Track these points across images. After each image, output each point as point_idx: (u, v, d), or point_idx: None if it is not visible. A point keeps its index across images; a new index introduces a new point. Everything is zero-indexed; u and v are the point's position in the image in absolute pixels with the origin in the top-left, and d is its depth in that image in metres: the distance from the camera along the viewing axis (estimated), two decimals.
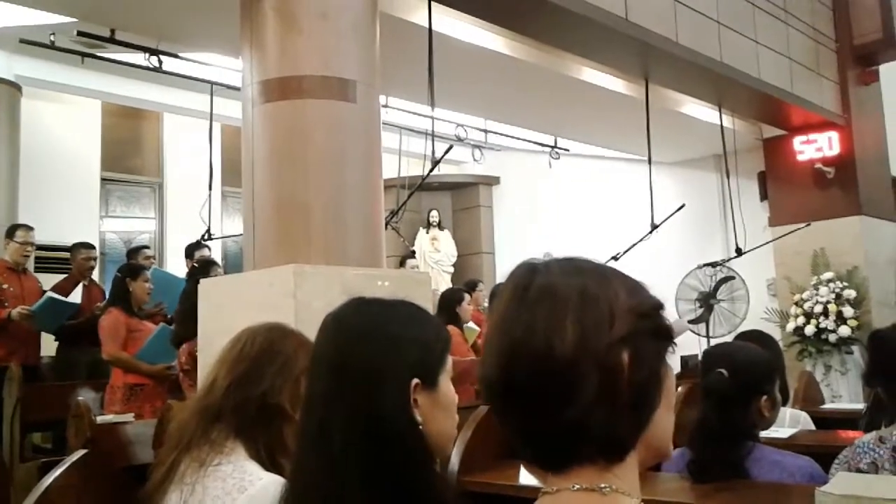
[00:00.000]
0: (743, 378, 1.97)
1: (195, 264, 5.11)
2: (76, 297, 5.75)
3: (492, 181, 10.46)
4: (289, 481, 1.16)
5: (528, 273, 0.85)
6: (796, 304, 7.29)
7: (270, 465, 1.44)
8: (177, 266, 6.91)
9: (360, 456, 1.07)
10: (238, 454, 1.43)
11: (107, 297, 5.52)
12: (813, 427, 3.03)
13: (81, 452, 1.72)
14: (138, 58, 5.71)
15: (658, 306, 0.85)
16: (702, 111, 7.07)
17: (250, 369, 1.50)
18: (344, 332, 1.16)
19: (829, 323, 7.02)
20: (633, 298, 0.83)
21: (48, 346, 5.69)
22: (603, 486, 0.80)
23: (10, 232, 5.50)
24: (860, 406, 3.64)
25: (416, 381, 1.13)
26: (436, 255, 9.94)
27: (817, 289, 7.19)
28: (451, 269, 10.02)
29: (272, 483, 1.35)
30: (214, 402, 1.48)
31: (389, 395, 1.11)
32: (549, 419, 0.79)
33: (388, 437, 1.09)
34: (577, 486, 0.80)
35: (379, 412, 1.09)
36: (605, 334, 0.79)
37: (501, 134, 8.77)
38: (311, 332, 1.67)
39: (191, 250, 6.11)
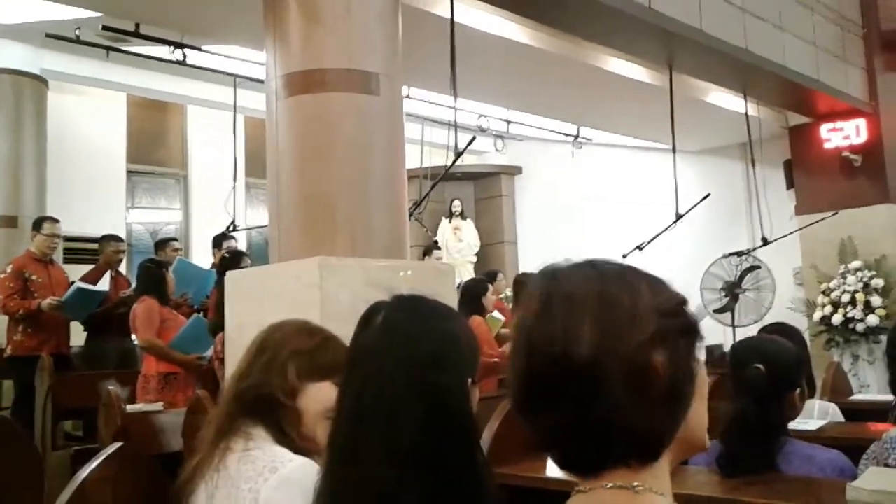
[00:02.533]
0: (777, 372, 1.97)
1: (225, 255, 5.14)
2: (103, 287, 5.82)
3: (514, 171, 10.43)
4: (331, 473, 1.17)
5: (549, 280, 0.87)
6: (823, 293, 7.22)
7: (297, 451, 1.47)
8: (202, 257, 6.97)
9: (430, 450, 1.10)
10: (266, 440, 1.47)
11: (132, 286, 5.59)
12: (842, 419, 3.00)
13: (116, 445, 1.75)
14: (162, 51, 5.76)
15: (682, 302, 0.86)
16: (726, 99, 7.00)
17: (251, 364, 1.58)
18: (405, 329, 1.19)
19: (856, 312, 6.95)
20: (658, 297, 0.84)
21: (77, 335, 5.78)
22: (636, 484, 0.81)
23: (37, 224, 5.57)
24: (889, 397, 3.60)
25: (469, 379, 1.20)
26: (458, 245, 9.94)
27: (845, 278, 7.12)
28: (474, 259, 10.01)
29: (305, 465, 1.39)
30: (236, 395, 1.54)
31: (455, 391, 1.16)
32: (576, 419, 0.80)
33: (456, 432, 1.14)
34: (611, 485, 0.82)
35: (449, 408, 1.14)
36: (630, 334, 0.80)
37: (524, 124, 8.74)
38: (336, 323, 1.69)
39: (219, 240, 6.17)
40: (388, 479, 1.09)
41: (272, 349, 1.57)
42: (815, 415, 2.89)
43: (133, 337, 5.11)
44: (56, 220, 5.63)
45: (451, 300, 3.47)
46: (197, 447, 1.50)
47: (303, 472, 1.37)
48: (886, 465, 1.91)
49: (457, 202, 10.08)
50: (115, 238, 6.03)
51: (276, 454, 1.43)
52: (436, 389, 1.14)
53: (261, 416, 1.50)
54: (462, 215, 10.12)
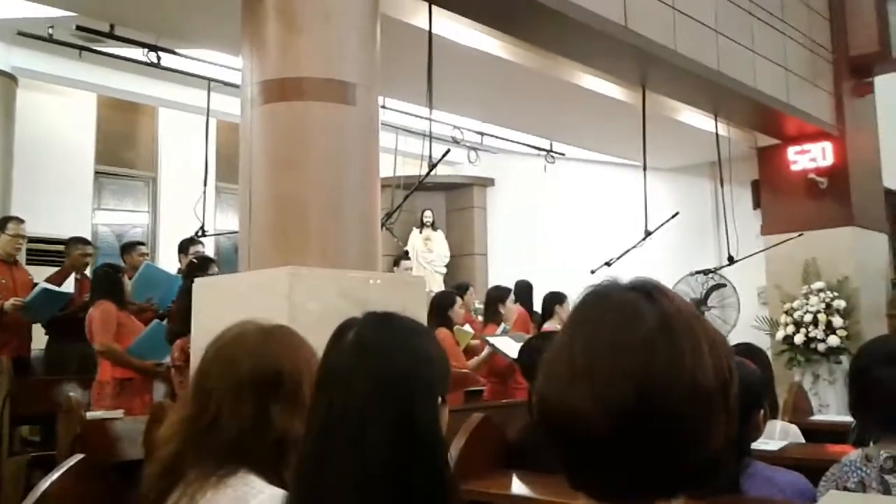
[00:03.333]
0: (745, 394, 1.98)
1: (193, 260, 5.10)
2: (67, 289, 5.72)
3: (486, 183, 10.47)
4: (299, 488, 1.16)
5: (644, 298, 0.81)
6: (786, 312, 7.32)
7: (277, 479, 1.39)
8: (169, 261, 6.89)
9: (398, 468, 1.10)
10: (243, 469, 1.39)
11: None
12: (802, 440, 3.05)
13: (77, 457, 1.72)
14: (136, 52, 5.70)
15: None
16: (697, 119, 7.09)
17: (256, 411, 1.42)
18: (377, 347, 1.18)
19: (818, 332, 7.06)
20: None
21: (38, 339, 5.67)
22: None
23: (2, 224, 5.47)
24: (849, 419, 3.66)
25: (440, 398, 1.21)
26: (429, 256, 9.94)
27: (807, 298, 7.23)
28: (444, 270, 10.02)
29: (276, 496, 1.32)
30: (237, 448, 1.40)
31: (426, 410, 1.17)
32: (679, 446, 0.77)
33: (425, 451, 1.14)
34: None
35: (418, 427, 1.14)
36: (725, 365, 0.80)
37: (498, 136, 8.78)
38: (305, 334, 1.64)
39: (185, 245, 6.10)
40: (355, 496, 1.09)
41: (289, 383, 1.42)
42: (777, 435, 2.93)
43: None
44: (21, 220, 5.54)
45: (421, 312, 3.47)
46: (162, 462, 1.42)
47: (273, 503, 1.31)
48: (846, 489, 1.94)
49: (428, 213, 10.08)
50: (83, 241, 5.94)
51: (248, 483, 1.36)
52: (406, 407, 1.14)
53: (277, 463, 1.37)
54: (433, 226, 10.12)
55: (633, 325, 0.78)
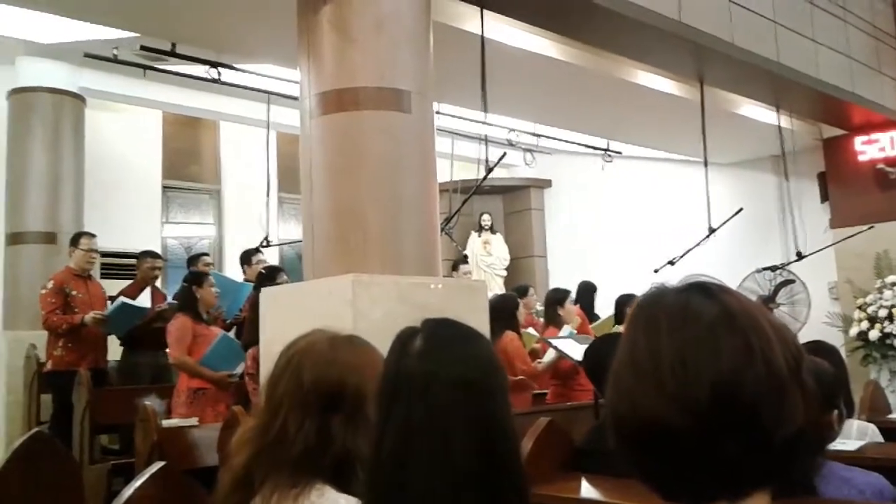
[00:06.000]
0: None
1: (262, 270, 5.20)
2: (143, 301, 5.90)
3: (544, 184, 10.41)
4: (381, 500, 1.14)
5: (698, 295, 0.80)
6: (860, 308, 7.11)
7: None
8: (236, 271, 7.05)
9: (487, 471, 1.10)
10: (318, 482, 1.35)
11: (167, 301, 5.68)
12: (881, 439, 2.95)
13: (159, 465, 1.77)
14: (198, 69, 5.86)
15: None
16: (759, 111, 6.94)
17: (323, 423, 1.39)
18: (452, 354, 1.18)
19: (894, 328, 6.83)
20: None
21: (113, 350, 5.86)
22: None
23: (75, 240, 5.67)
24: None
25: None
26: (488, 259, 9.94)
27: (881, 292, 7.01)
28: (504, 273, 10.00)
29: None
30: (309, 463, 1.37)
31: (506, 413, 1.18)
32: (766, 437, 0.75)
33: (510, 454, 1.15)
34: None
35: (501, 431, 1.15)
36: (793, 348, 0.78)
37: (553, 137, 8.74)
38: (368, 340, 1.65)
39: (247, 257, 6.23)
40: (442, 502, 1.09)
41: (351, 397, 1.36)
42: (854, 435, 2.84)
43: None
44: (93, 235, 5.72)
45: (483, 317, 3.47)
46: (239, 470, 1.37)
47: None
48: None
49: (486, 216, 10.08)
50: (153, 254, 6.12)
51: (326, 497, 1.31)
52: (489, 411, 1.14)
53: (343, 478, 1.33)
54: (492, 229, 10.12)
55: (692, 321, 0.78)
